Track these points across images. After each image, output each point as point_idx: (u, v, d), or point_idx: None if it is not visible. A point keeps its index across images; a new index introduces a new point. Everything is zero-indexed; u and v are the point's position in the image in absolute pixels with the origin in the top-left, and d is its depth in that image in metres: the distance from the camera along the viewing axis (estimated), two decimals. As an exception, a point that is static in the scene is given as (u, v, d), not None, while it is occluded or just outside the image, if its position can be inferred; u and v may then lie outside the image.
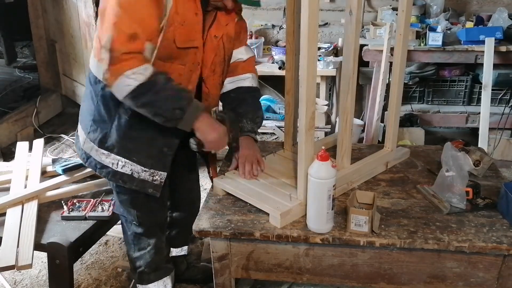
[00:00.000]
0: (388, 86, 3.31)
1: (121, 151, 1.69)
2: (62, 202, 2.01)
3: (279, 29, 4.11)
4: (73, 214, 1.92)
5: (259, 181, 1.76)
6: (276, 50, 3.80)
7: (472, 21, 3.56)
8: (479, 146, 3.08)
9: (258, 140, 1.90)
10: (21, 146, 2.39)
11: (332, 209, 1.52)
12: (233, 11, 1.71)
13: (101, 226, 1.96)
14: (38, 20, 4.22)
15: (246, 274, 1.66)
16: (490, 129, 3.31)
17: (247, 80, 1.88)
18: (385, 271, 1.58)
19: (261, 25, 4.10)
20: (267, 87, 4.17)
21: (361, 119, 3.80)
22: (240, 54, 1.87)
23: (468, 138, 3.69)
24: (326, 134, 3.57)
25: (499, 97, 3.63)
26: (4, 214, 1.93)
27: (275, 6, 4.06)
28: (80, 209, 1.95)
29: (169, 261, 2.06)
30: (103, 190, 2.12)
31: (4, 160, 3.41)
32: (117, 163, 1.70)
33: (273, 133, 3.77)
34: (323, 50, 3.76)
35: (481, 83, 3.36)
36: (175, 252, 2.20)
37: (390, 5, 3.80)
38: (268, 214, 1.59)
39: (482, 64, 3.27)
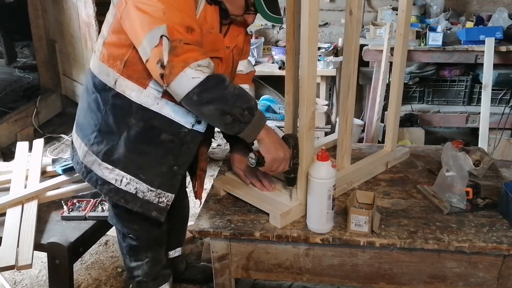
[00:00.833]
0: (388, 86, 3.31)
1: (127, 167, 1.57)
2: (62, 202, 2.01)
3: (279, 29, 4.11)
4: (73, 214, 1.92)
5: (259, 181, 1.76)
6: (276, 50, 3.80)
7: (472, 21, 3.56)
8: (479, 146, 3.08)
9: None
10: (21, 146, 2.39)
11: (332, 209, 1.52)
12: (245, 24, 1.66)
13: (101, 226, 1.96)
14: (38, 20, 4.22)
15: (246, 274, 1.66)
16: (490, 129, 3.31)
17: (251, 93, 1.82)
18: (385, 271, 1.58)
19: (261, 25, 4.10)
20: (267, 87, 4.17)
21: (361, 119, 3.80)
22: (242, 66, 1.83)
23: (468, 138, 3.70)
24: (326, 134, 3.57)
25: (499, 97, 3.63)
26: (4, 214, 1.93)
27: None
28: (80, 209, 1.95)
29: (167, 266, 1.99)
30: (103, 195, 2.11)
31: (4, 160, 3.41)
32: (121, 180, 1.58)
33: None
34: (323, 50, 3.76)
35: (481, 83, 3.36)
36: (169, 254, 2.17)
37: (390, 5, 3.81)
38: (268, 214, 1.59)
39: (482, 64, 3.27)
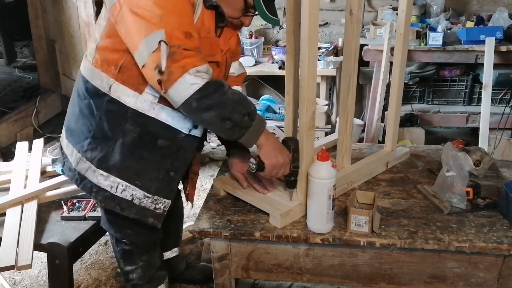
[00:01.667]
0: (388, 86, 3.31)
1: (123, 173, 1.54)
2: (62, 202, 2.01)
3: (279, 29, 4.11)
4: (72, 214, 1.92)
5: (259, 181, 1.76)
6: (276, 50, 3.80)
7: (472, 21, 3.55)
8: (479, 146, 3.08)
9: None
10: (21, 146, 2.39)
11: (332, 209, 1.51)
12: (238, 26, 1.65)
13: (101, 226, 1.96)
14: (38, 20, 4.22)
15: (246, 274, 1.66)
16: (491, 129, 3.31)
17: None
18: (385, 271, 1.58)
19: (261, 25, 4.09)
20: (267, 87, 4.17)
21: (361, 119, 3.80)
22: (233, 68, 1.82)
23: (469, 138, 3.70)
24: (326, 134, 3.57)
25: (499, 97, 3.63)
26: (3, 214, 1.93)
27: (275, 6, 4.06)
28: (80, 209, 1.95)
29: (162, 268, 1.97)
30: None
31: (4, 160, 3.40)
32: (117, 187, 1.55)
33: (273, 133, 3.77)
34: (323, 50, 3.76)
35: (482, 83, 3.35)
36: (166, 255, 2.16)
37: (390, 5, 3.80)
38: (268, 214, 1.59)
39: (482, 64, 3.27)
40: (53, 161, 2.32)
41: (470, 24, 3.51)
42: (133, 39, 1.37)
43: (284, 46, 2.69)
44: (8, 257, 1.71)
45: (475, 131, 3.58)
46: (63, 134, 1.70)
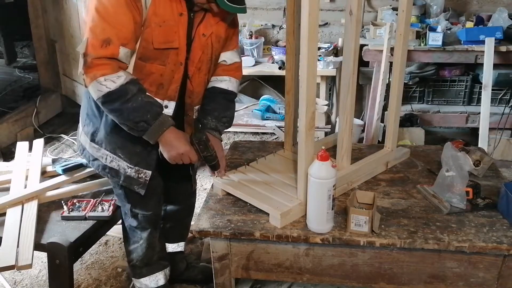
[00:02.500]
0: (388, 86, 3.31)
1: (108, 146, 1.75)
2: (62, 202, 2.01)
3: (279, 29, 4.11)
4: (73, 214, 1.92)
5: (259, 181, 1.76)
6: (276, 50, 3.80)
7: (472, 21, 3.55)
8: (479, 146, 3.08)
9: (221, 139, 1.88)
10: (21, 146, 2.39)
11: (332, 209, 1.52)
12: (221, 13, 1.70)
13: (101, 226, 1.96)
14: (38, 20, 4.22)
15: (246, 274, 1.66)
16: (490, 129, 3.31)
17: (223, 82, 1.87)
18: (385, 271, 1.58)
19: (261, 25, 4.09)
20: (267, 87, 4.17)
21: (361, 119, 3.80)
22: (225, 57, 1.86)
23: (468, 138, 3.69)
24: (326, 134, 3.57)
25: (499, 97, 3.63)
26: (4, 214, 1.93)
27: (275, 6, 4.06)
28: (80, 209, 1.95)
29: (163, 258, 2.05)
30: (103, 190, 2.11)
31: (4, 160, 3.40)
32: (106, 158, 1.77)
33: (273, 133, 3.77)
34: (323, 50, 3.76)
35: (481, 83, 3.35)
36: (171, 248, 2.18)
37: (390, 5, 3.80)
38: (268, 214, 1.59)
39: (482, 64, 3.27)
40: (53, 161, 2.32)
41: (470, 24, 3.51)
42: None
43: (284, 46, 2.69)
44: (9, 257, 1.71)
45: (474, 131, 3.58)
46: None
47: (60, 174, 2.17)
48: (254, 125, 3.71)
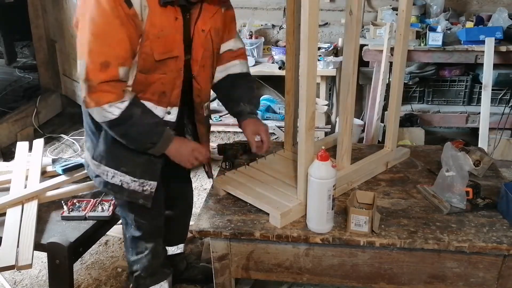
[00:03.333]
0: (388, 86, 3.31)
1: (109, 162, 1.71)
2: (62, 202, 2.01)
3: (279, 29, 4.11)
4: (73, 214, 1.92)
5: (259, 181, 1.76)
6: (276, 50, 3.80)
7: (472, 21, 3.55)
8: (479, 146, 3.08)
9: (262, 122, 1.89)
10: (21, 146, 2.39)
11: (332, 209, 1.52)
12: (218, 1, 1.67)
13: (101, 226, 1.96)
14: (38, 20, 4.21)
15: (246, 274, 1.66)
16: (490, 129, 3.31)
17: (236, 67, 1.85)
18: (385, 271, 1.58)
19: (261, 25, 4.09)
20: (267, 87, 4.17)
21: (361, 119, 3.80)
22: (229, 46, 1.84)
23: (468, 138, 3.69)
24: (326, 134, 3.57)
25: (499, 97, 3.63)
26: (4, 214, 1.93)
27: (275, 6, 4.06)
28: (80, 209, 1.95)
29: (167, 265, 2.04)
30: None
31: (4, 160, 3.40)
32: (107, 174, 1.72)
33: (273, 133, 3.77)
34: (323, 50, 3.76)
35: (481, 83, 3.35)
36: (170, 250, 2.19)
37: (390, 5, 3.80)
38: (268, 214, 1.59)
39: (482, 64, 3.27)
40: (53, 161, 2.32)
41: (470, 24, 3.51)
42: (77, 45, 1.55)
43: (284, 46, 2.69)
44: (9, 257, 1.71)
45: (475, 131, 3.58)
46: None
47: (60, 174, 2.17)
48: (254, 125, 3.70)
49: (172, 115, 1.69)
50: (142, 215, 1.83)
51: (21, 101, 4.36)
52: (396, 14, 3.13)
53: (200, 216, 1.64)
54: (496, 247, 1.46)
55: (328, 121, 3.76)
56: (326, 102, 3.72)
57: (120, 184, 1.72)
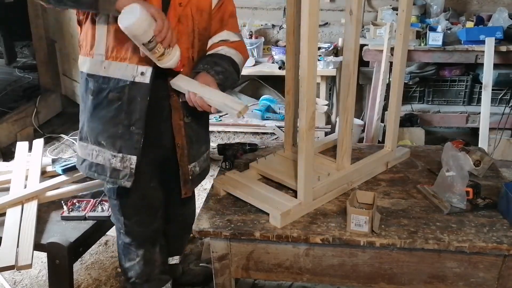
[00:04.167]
0: (388, 86, 3.31)
1: (91, 137, 1.70)
2: (62, 202, 2.01)
3: (279, 29, 4.11)
4: (73, 214, 1.92)
5: (259, 181, 1.76)
6: (276, 50, 3.80)
7: (472, 21, 3.56)
8: (479, 146, 3.08)
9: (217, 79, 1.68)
10: (21, 146, 2.39)
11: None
12: None
13: (101, 226, 1.96)
14: (38, 20, 4.22)
15: (246, 274, 1.66)
16: (491, 129, 3.31)
17: (222, 50, 1.76)
18: (385, 271, 1.58)
19: (261, 25, 4.10)
20: (267, 87, 4.17)
21: (361, 119, 3.80)
22: (221, 37, 1.78)
23: (468, 138, 3.69)
24: (326, 134, 3.57)
25: (499, 97, 3.63)
26: (4, 214, 1.93)
27: (275, 6, 4.06)
28: (80, 209, 1.95)
29: (165, 271, 2.00)
30: (103, 190, 2.11)
31: (4, 160, 3.41)
32: (92, 153, 1.71)
33: (273, 133, 3.77)
34: (323, 50, 3.76)
35: (481, 83, 3.36)
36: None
37: (390, 5, 3.81)
38: (268, 214, 1.59)
39: (482, 64, 3.27)
40: (53, 161, 2.32)
41: (470, 24, 3.51)
42: None
43: (284, 46, 2.69)
44: (8, 257, 1.71)
45: (475, 131, 3.58)
46: None
47: (60, 174, 2.17)
48: (254, 125, 3.71)
49: (145, 76, 1.60)
50: (134, 219, 1.82)
51: (21, 101, 4.36)
52: (396, 14, 3.13)
53: (200, 216, 1.63)
54: (496, 247, 1.46)
55: (328, 121, 3.76)
56: (326, 102, 3.72)
57: (103, 164, 1.70)
